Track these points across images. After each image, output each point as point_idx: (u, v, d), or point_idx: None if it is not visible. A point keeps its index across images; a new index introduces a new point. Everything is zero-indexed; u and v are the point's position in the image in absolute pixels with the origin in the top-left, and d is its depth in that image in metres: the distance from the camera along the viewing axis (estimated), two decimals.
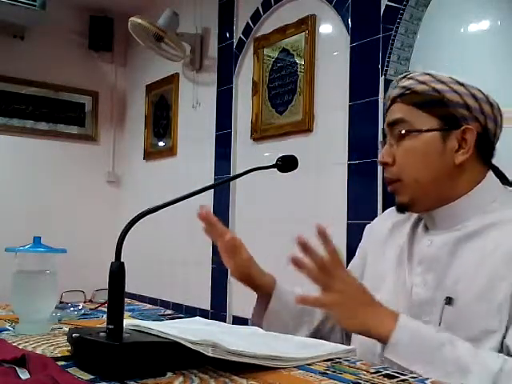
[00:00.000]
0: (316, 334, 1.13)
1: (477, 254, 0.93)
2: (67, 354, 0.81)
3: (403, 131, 0.99)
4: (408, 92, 1.00)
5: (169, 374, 0.71)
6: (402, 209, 1.04)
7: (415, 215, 1.09)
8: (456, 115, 0.97)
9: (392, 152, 1.02)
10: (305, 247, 0.89)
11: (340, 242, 2.14)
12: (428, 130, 0.98)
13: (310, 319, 1.13)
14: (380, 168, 2.04)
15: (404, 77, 1.04)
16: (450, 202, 0.99)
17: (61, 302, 1.34)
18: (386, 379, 0.72)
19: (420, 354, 0.85)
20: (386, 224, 1.15)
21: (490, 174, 1.01)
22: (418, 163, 1.00)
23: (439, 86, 0.98)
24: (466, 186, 0.99)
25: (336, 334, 1.15)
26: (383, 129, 1.07)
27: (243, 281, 1.09)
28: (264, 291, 1.11)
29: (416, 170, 0.99)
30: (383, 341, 0.88)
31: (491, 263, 0.91)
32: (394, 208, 1.20)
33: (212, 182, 2.81)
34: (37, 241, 1.03)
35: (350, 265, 1.21)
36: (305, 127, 2.39)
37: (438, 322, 0.93)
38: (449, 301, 0.92)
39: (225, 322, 2.59)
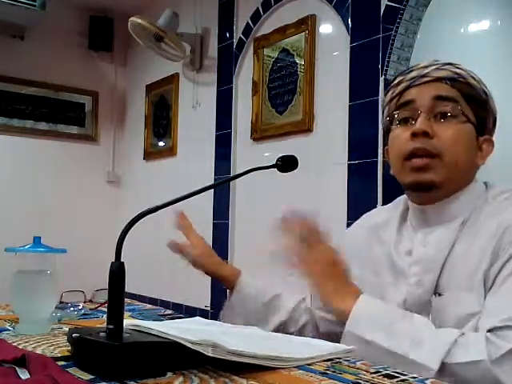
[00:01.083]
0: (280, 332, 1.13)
1: (469, 248, 0.94)
2: (67, 354, 0.81)
3: (459, 111, 0.97)
4: (461, 80, 0.99)
5: (169, 374, 0.71)
6: (425, 187, 0.99)
7: (398, 214, 1.08)
8: (487, 123, 1.02)
9: (430, 125, 0.97)
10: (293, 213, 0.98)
11: (340, 241, 2.13)
12: (473, 124, 0.99)
13: (273, 318, 1.14)
14: (380, 167, 2.04)
15: (449, 64, 1.01)
16: (450, 196, 1.00)
17: (61, 302, 1.34)
18: (386, 379, 0.72)
19: (378, 325, 0.90)
20: (364, 227, 1.14)
21: (477, 179, 1.04)
22: (462, 146, 0.98)
23: (487, 91, 1.01)
24: (467, 182, 1.01)
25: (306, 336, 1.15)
26: (408, 101, 1.01)
27: (202, 269, 1.15)
28: (230, 284, 1.15)
29: (460, 151, 0.97)
30: (343, 317, 0.93)
31: (478, 248, 0.93)
32: (373, 212, 1.22)
33: (212, 181, 2.80)
34: (37, 241, 1.03)
35: None
36: (305, 127, 2.39)
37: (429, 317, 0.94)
38: (438, 295, 0.95)
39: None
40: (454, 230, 0.97)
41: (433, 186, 0.98)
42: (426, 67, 1.01)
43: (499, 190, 1.01)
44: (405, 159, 0.99)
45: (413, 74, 1.01)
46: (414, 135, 0.97)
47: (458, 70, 0.99)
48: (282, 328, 1.14)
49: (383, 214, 1.13)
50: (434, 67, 1.00)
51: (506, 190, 1.01)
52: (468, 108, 0.98)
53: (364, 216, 1.22)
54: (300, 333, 1.14)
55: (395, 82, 1.04)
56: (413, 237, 1.03)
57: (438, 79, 0.98)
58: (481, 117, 1.00)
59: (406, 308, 0.97)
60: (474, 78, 1.00)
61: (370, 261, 1.09)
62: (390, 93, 1.05)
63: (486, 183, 1.04)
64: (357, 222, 1.22)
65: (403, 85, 1.01)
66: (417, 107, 0.99)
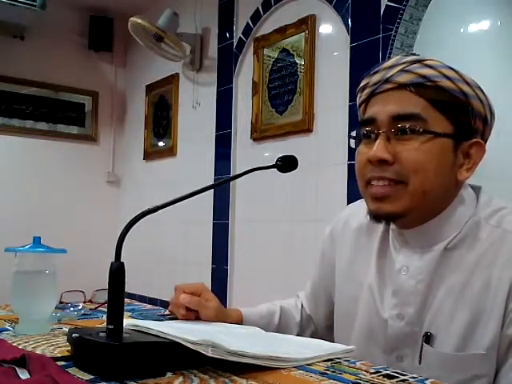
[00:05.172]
0: None
1: (456, 280, 0.87)
2: (67, 354, 0.81)
3: (420, 130, 0.84)
4: (429, 84, 0.84)
5: (169, 374, 0.71)
6: (386, 218, 0.90)
7: (381, 225, 0.98)
8: (472, 126, 0.87)
9: (390, 148, 0.86)
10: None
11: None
12: (445, 135, 0.85)
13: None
14: None
15: (417, 61, 0.87)
16: (430, 219, 0.89)
17: (61, 302, 1.34)
18: (385, 379, 0.72)
19: None
20: (349, 229, 1.06)
21: (466, 186, 0.92)
22: (430, 170, 0.85)
23: (466, 89, 0.85)
24: (448, 202, 0.90)
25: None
26: (368, 119, 0.90)
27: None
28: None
29: (427, 177, 0.85)
30: None
31: (472, 294, 0.85)
32: (354, 207, 1.10)
33: (212, 182, 2.80)
34: (37, 241, 1.03)
35: (315, 275, 1.16)
36: (305, 127, 2.39)
37: (418, 356, 0.89)
38: (427, 338, 0.87)
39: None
40: (436, 255, 0.88)
41: (394, 217, 0.88)
42: (391, 68, 0.88)
43: (494, 204, 0.90)
44: (367, 183, 0.90)
45: (377, 77, 0.89)
46: (371, 162, 0.87)
47: (425, 71, 0.85)
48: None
49: (363, 215, 1.01)
50: (399, 68, 0.87)
51: (494, 203, 0.90)
52: (440, 116, 0.85)
53: (347, 213, 1.10)
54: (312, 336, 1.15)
55: (361, 84, 0.93)
56: (395, 259, 0.94)
57: (402, 86, 0.86)
58: (461, 121, 0.86)
59: (389, 340, 0.92)
60: (447, 76, 0.85)
61: (353, 275, 1.02)
62: (357, 97, 0.96)
63: (476, 192, 0.92)
64: (340, 218, 1.10)
65: (367, 91, 0.91)
66: (377, 124, 0.88)
